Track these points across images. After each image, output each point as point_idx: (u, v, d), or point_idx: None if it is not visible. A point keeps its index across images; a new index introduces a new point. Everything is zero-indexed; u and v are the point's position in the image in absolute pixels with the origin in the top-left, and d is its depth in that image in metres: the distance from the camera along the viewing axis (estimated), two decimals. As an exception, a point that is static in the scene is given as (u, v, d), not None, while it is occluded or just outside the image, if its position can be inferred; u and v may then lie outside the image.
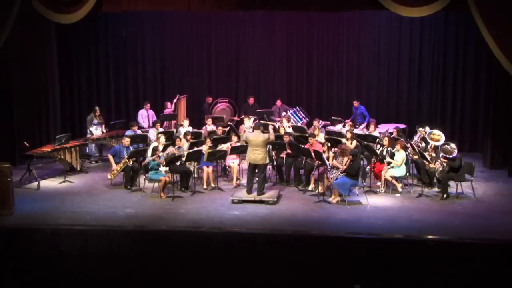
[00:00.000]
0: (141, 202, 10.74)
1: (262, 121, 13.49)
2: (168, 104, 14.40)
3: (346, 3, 12.29)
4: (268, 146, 11.58)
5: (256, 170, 10.83)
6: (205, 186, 11.50)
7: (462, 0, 11.24)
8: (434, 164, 11.04)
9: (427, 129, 11.88)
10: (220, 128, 12.65)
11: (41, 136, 13.86)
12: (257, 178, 10.89)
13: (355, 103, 14.28)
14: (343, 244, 8.78)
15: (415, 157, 11.40)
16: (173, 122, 14.21)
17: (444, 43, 14.57)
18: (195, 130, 13.14)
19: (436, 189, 11.18)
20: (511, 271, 8.30)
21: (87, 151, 13.78)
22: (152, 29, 15.73)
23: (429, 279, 8.44)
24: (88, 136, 13.49)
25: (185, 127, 13.20)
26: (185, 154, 11.16)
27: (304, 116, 14.17)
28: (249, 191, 10.76)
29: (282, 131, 12.56)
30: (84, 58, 15.70)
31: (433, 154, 11.25)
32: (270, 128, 11.69)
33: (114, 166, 11.51)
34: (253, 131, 11.25)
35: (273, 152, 11.80)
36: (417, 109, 15.05)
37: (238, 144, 11.68)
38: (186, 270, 8.87)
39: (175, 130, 13.06)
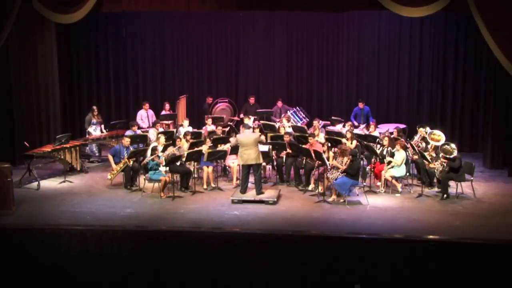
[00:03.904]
0: (141, 202, 10.74)
1: (262, 121, 13.53)
2: (167, 105, 14.37)
3: (346, 3, 12.31)
4: (268, 146, 11.65)
5: (251, 170, 10.84)
6: (205, 186, 11.50)
7: (462, 0, 11.25)
8: (434, 164, 11.05)
9: (427, 129, 11.88)
10: (220, 128, 12.65)
11: (41, 136, 13.86)
12: (252, 179, 10.93)
13: (361, 105, 14.26)
14: (343, 244, 8.78)
15: (415, 157, 11.41)
16: (172, 122, 14.18)
17: (444, 43, 14.57)
18: (195, 130, 13.14)
19: (436, 189, 11.18)
20: (511, 271, 8.30)
21: (87, 151, 13.77)
22: (152, 29, 15.73)
23: (429, 279, 8.44)
24: (88, 136, 13.48)
25: (185, 127, 13.20)
26: (185, 154, 11.16)
27: (304, 116, 14.17)
28: (244, 191, 10.77)
29: (282, 131, 12.56)
30: (84, 58, 15.72)
31: (433, 154, 11.25)
32: (257, 131, 11.78)
33: (114, 166, 11.51)
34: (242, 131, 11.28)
35: (273, 152, 11.80)
36: (417, 109, 15.04)
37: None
38: (186, 270, 8.87)
39: (175, 130, 13.06)
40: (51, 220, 9.74)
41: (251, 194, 10.76)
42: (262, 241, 8.90)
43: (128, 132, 12.84)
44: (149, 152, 11.39)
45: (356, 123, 13.84)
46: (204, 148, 11.47)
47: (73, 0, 12.28)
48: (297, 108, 14.39)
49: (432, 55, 14.74)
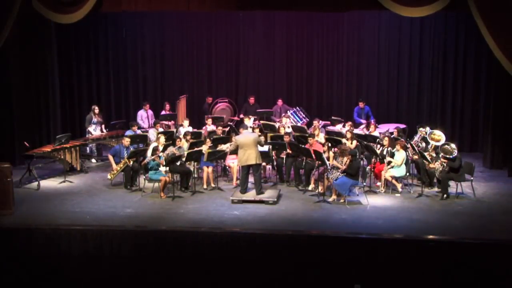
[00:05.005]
0: (141, 202, 10.73)
1: (262, 121, 13.53)
2: (167, 105, 14.37)
3: (346, 3, 12.29)
4: (268, 146, 11.66)
5: (251, 171, 10.85)
6: (205, 186, 11.49)
7: (462, 0, 11.25)
8: (434, 164, 11.04)
9: (428, 129, 11.88)
10: (220, 128, 12.65)
11: (41, 136, 13.85)
12: (252, 179, 10.94)
13: (361, 104, 14.26)
14: (343, 244, 8.79)
15: (415, 157, 11.41)
16: (172, 122, 14.17)
17: (444, 43, 14.57)
18: (195, 130, 13.14)
19: (436, 189, 11.18)
20: (511, 271, 8.30)
21: (88, 151, 13.78)
22: (152, 29, 15.73)
23: (429, 279, 8.45)
24: (87, 136, 13.48)
25: (185, 127, 13.20)
26: (185, 154, 11.16)
27: (304, 116, 14.16)
28: (244, 191, 10.77)
29: (282, 131, 12.56)
30: (84, 58, 15.71)
31: (433, 154, 11.25)
32: (257, 131, 11.91)
33: (114, 166, 11.51)
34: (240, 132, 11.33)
35: (273, 152, 11.80)
36: (417, 109, 15.04)
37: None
38: (186, 270, 8.88)
39: (175, 130, 13.06)
40: (51, 220, 9.73)
41: (251, 194, 10.75)
42: (262, 241, 8.91)
43: (128, 132, 12.85)
44: (149, 152, 11.39)
45: (362, 121, 13.83)
46: (204, 148, 11.47)
47: (73, 0, 12.27)
48: (297, 108, 14.39)
49: (432, 55, 14.73)
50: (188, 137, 12.01)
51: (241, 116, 14.37)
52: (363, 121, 13.93)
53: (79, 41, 15.55)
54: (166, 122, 13.88)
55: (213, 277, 8.81)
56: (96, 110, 13.69)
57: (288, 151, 11.57)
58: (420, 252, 8.59)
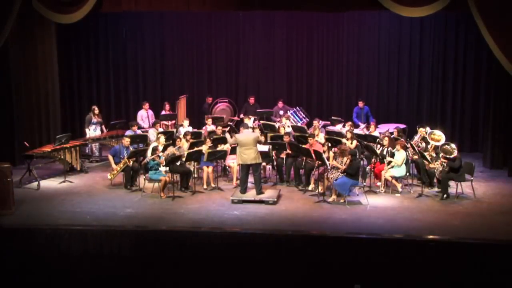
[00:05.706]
0: (141, 202, 10.74)
1: (262, 121, 13.53)
2: (167, 105, 14.36)
3: (346, 3, 12.31)
4: (268, 146, 11.66)
5: (251, 171, 10.85)
6: (205, 186, 11.49)
7: (462, 0, 11.25)
8: (434, 164, 11.05)
9: (428, 129, 11.89)
10: (220, 128, 12.65)
11: (41, 136, 13.85)
12: (252, 179, 10.94)
13: (360, 104, 14.26)
14: (343, 244, 8.79)
15: (415, 157, 11.41)
16: (173, 122, 14.16)
17: (444, 43, 14.56)
18: (195, 130, 13.14)
19: (436, 189, 11.18)
20: (511, 271, 8.30)
21: (87, 151, 13.77)
22: (152, 29, 15.73)
23: (429, 279, 8.45)
24: (87, 136, 13.48)
25: (185, 127, 13.20)
26: (185, 154, 11.17)
27: (304, 116, 14.17)
28: (244, 191, 10.77)
29: (282, 131, 12.57)
30: (84, 58, 15.73)
31: (433, 154, 11.25)
32: (257, 131, 11.86)
33: (114, 166, 11.51)
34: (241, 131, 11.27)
35: (273, 152, 11.81)
36: (417, 109, 15.05)
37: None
38: (186, 270, 8.88)
39: (175, 130, 13.06)
40: (51, 220, 9.73)
41: (251, 194, 10.76)
42: (262, 241, 8.91)
43: (128, 132, 12.84)
44: (149, 152, 11.39)
45: (361, 124, 13.83)
46: (204, 148, 11.47)
47: (73, 0, 12.28)
48: (297, 108, 14.39)
49: (432, 55, 14.73)
50: (188, 137, 12.01)
51: (241, 116, 14.38)
52: (361, 123, 13.91)
53: (79, 41, 15.56)
54: (166, 122, 13.87)
55: (213, 277, 8.80)
56: (96, 111, 13.69)
57: (288, 151, 11.57)
58: (420, 252, 8.59)
